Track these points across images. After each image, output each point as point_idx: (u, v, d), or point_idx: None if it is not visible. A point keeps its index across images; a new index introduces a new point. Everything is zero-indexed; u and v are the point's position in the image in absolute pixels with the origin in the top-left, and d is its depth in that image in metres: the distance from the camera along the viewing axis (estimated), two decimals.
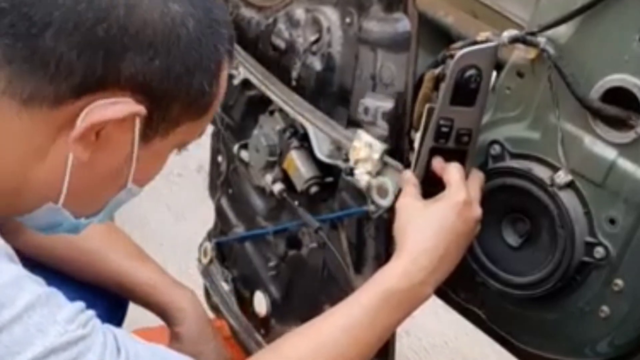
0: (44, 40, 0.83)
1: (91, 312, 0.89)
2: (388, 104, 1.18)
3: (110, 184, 0.94)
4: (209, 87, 0.91)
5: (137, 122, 0.88)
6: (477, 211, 1.11)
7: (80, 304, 0.89)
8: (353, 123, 1.24)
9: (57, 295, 0.88)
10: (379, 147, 1.18)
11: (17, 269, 0.86)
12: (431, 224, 1.09)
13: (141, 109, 0.87)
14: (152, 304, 1.35)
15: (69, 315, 0.86)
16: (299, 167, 1.31)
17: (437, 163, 1.13)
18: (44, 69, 0.84)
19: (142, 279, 1.33)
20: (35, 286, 0.86)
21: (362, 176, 1.19)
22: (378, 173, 1.18)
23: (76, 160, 0.88)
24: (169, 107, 0.90)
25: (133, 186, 0.96)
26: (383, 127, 1.19)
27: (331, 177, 1.30)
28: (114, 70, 0.85)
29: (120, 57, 0.85)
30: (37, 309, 0.84)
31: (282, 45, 1.32)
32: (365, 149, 1.19)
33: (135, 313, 1.54)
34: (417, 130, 1.14)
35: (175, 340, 1.35)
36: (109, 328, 0.91)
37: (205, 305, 1.67)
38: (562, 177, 1.08)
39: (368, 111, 1.20)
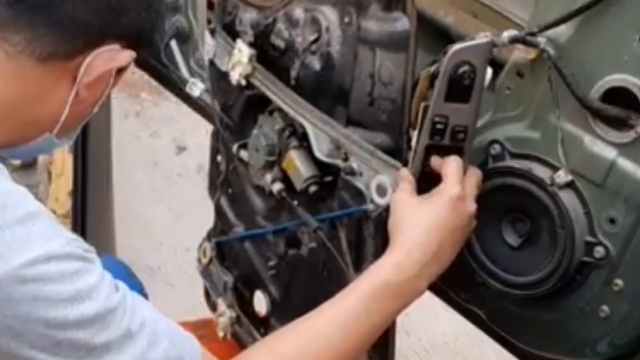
0: (64, 9, 0.99)
1: (94, 250, 0.96)
2: (253, 14, 1.35)
3: (87, 113, 1.10)
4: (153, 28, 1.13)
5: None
6: (471, 206, 1.11)
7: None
8: (353, 122, 1.24)
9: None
10: (248, 51, 1.32)
11: (21, 187, 0.95)
12: (425, 219, 1.09)
13: (133, 54, 1.06)
14: None
15: (73, 236, 0.94)
16: (298, 166, 1.31)
17: (435, 160, 1.13)
18: (63, 32, 1.00)
19: None
20: (38, 203, 0.94)
21: (234, 77, 1.34)
22: (248, 75, 1.33)
23: (75, 98, 1.04)
24: (137, 49, 1.08)
25: (96, 109, 1.12)
26: (250, 35, 1.36)
27: (330, 177, 1.30)
28: (117, 27, 1.03)
29: (122, 16, 1.03)
30: (41, 219, 0.92)
31: (281, 45, 1.32)
32: (237, 54, 1.34)
33: None
34: (414, 128, 1.14)
35: None
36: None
37: (205, 306, 1.67)
38: (562, 177, 1.08)
39: (242, 22, 1.37)
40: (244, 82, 1.35)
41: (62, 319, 0.91)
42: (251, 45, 1.34)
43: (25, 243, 0.89)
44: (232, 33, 1.40)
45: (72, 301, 0.91)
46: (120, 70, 1.09)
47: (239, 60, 1.34)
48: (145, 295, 1.37)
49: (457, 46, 1.07)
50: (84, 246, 0.95)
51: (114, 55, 1.04)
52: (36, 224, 0.91)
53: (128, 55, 1.06)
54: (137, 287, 1.39)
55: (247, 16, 1.37)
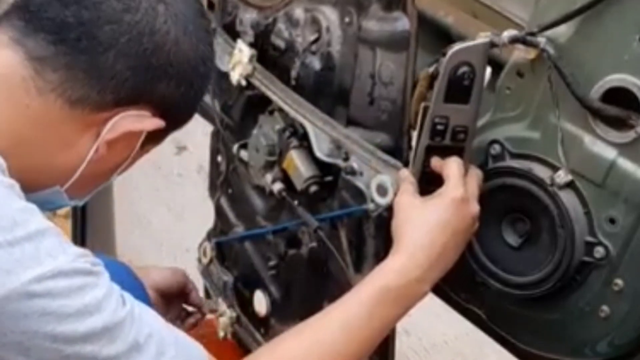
0: (106, 58, 0.98)
1: (100, 262, 0.96)
2: (254, 15, 1.36)
3: (105, 177, 1.08)
4: (195, 112, 1.10)
5: (145, 132, 1.04)
6: (474, 208, 1.11)
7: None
8: (353, 122, 1.24)
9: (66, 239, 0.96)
10: (248, 51, 1.33)
11: (30, 204, 0.94)
12: (428, 221, 1.09)
13: (162, 123, 1.04)
14: None
15: (79, 251, 0.94)
16: (299, 166, 1.31)
17: (436, 161, 1.13)
18: (98, 81, 0.98)
19: None
20: (47, 220, 0.94)
21: (235, 77, 1.35)
22: (248, 75, 1.33)
23: (95, 155, 1.02)
24: (171, 122, 1.06)
25: (114, 177, 1.11)
26: (250, 35, 1.36)
27: (331, 177, 1.30)
28: (151, 91, 1.02)
29: (160, 82, 1.02)
30: (48, 236, 0.92)
31: (281, 45, 1.32)
32: (238, 54, 1.34)
33: None
34: (414, 128, 1.14)
35: None
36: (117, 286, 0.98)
37: None
38: (562, 177, 1.08)
39: (242, 22, 1.37)
40: (244, 82, 1.35)
41: (71, 333, 0.91)
42: (251, 45, 1.34)
43: (33, 259, 0.90)
44: (232, 33, 1.40)
45: (80, 316, 0.91)
46: (148, 143, 1.06)
47: (239, 60, 1.34)
48: (146, 295, 1.37)
49: (456, 47, 1.07)
50: (92, 260, 0.95)
51: (142, 118, 1.02)
52: (44, 241, 0.91)
53: (155, 122, 1.03)
54: (139, 287, 1.39)
55: (247, 16, 1.37)
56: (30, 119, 0.98)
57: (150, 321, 0.98)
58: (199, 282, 1.68)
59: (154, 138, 1.06)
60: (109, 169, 1.07)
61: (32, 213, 0.94)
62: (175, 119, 1.07)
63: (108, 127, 1.00)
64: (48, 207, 1.05)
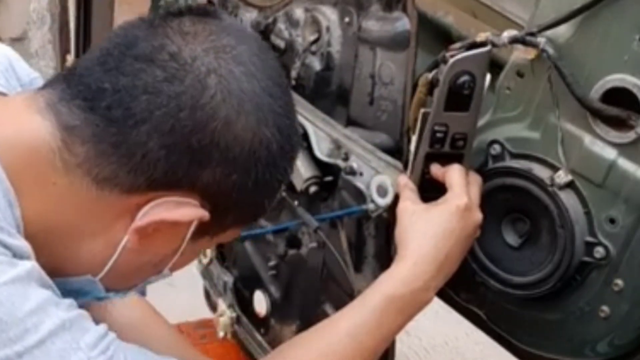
0: (137, 133, 0.85)
1: (113, 335, 0.89)
2: (254, 14, 1.33)
3: (149, 270, 0.96)
4: (269, 205, 0.95)
5: (194, 224, 0.90)
6: (478, 216, 1.11)
7: (102, 327, 0.88)
8: (353, 122, 1.24)
9: (83, 319, 0.87)
10: None
11: (46, 294, 0.86)
12: (433, 229, 1.09)
13: (205, 214, 0.89)
14: None
15: (92, 340, 0.86)
16: (299, 166, 1.31)
17: (437, 169, 1.13)
18: (128, 159, 0.86)
19: None
20: (61, 312, 0.85)
21: None
22: None
23: (127, 246, 0.90)
24: (228, 215, 0.92)
25: (167, 272, 0.98)
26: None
27: (331, 177, 1.30)
28: (193, 176, 0.87)
29: (203, 167, 0.87)
30: (60, 335, 0.84)
31: (281, 45, 1.32)
32: None
33: None
34: (413, 132, 1.14)
35: None
36: (130, 347, 0.90)
37: (205, 306, 1.67)
38: (562, 177, 1.08)
39: (242, 22, 1.34)
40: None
41: None
42: None
43: None
44: None
45: None
46: (203, 236, 0.93)
47: None
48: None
49: (456, 57, 1.07)
50: (105, 343, 0.87)
51: (180, 206, 0.88)
52: (57, 342, 0.83)
53: (196, 212, 0.89)
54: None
55: (248, 16, 1.37)
56: (56, 198, 0.87)
57: None
58: (199, 282, 1.68)
59: (212, 231, 0.93)
60: (153, 261, 0.95)
61: (47, 310, 0.84)
62: (230, 211, 0.92)
63: (141, 213, 0.88)
64: (83, 298, 0.96)
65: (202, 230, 0.91)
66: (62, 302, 0.87)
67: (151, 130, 0.85)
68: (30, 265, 0.85)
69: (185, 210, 0.88)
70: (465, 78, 1.07)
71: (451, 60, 1.07)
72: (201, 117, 0.85)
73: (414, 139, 1.13)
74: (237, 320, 1.56)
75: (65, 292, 0.93)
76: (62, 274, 0.93)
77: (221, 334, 1.56)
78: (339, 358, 1.05)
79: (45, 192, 0.87)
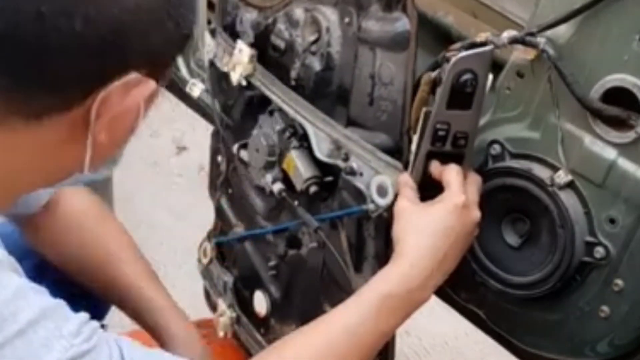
0: (46, 63, 0.83)
1: (95, 324, 0.89)
2: (254, 15, 1.34)
3: (125, 141, 0.97)
4: (192, 28, 0.93)
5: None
6: (476, 214, 1.11)
7: (84, 315, 0.89)
8: (353, 122, 1.24)
9: (62, 307, 0.88)
10: (248, 51, 1.32)
11: (21, 281, 0.86)
12: (429, 227, 1.09)
13: (151, 83, 0.89)
14: (146, 323, 1.34)
15: (74, 328, 0.86)
16: (299, 166, 1.31)
17: (435, 168, 1.13)
18: (50, 86, 0.85)
19: (143, 297, 1.34)
20: (39, 299, 0.86)
21: (235, 77, 1.34)
22: (249, 76, 1.33)
23: (96, 141, 0.91)
24: (165, 63, 0.93)
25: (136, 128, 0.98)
26: (250, 35, 1.36)
27: (331, 177, 1.30)
28: (120, 62, 0.87)
29: (124, 49, 0.86)
30: (41, 322, 0.84)
31: (281, 45, 1.32)
32: (238, 55, 1.33)
33: None
34: (414, 132, 1.14)
35: None
36: (115, 338, 0.91)
37: (205, 306, 1.67)
38: (562, 177, 1.08)
39: (242, 22, 1.36)
40: (244, 83, 1.34)
41: None
42: (252, 45, 1.34)
43: (28, 358, 0.83)
44: (233, 33, 1.40)
45: None
46: (154, 97, 0.94)
47: (240, 61, 1.33)
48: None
49: (459, 55, 1.07)
50: (88, 331, 0.87)
51: (129, 90, 0.88)
52: (38, 331, 0.84)
53: (145, 89, 0.89)
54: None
55: (248, 16, 1.37)
56: (4, 151, 0.88)
57: None
58: (199, 282, 1.68)
59: (159, 79, 0.93)
60: (123, 138, 0.96)
61: (24, 296, 0.84)
62: (166, 60, 0.93)
63: (93, 116, 0.87)
64: (80, 183, 1.02)
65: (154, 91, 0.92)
66: (39, 289, 0.87)
67: (58, 52, 0.83)
68: (0, 253, 0.86)
69: (134, 92, 0.88)
70: (467, 76, 1.07)
71: (454, 58, 1.07)
72: (93, 12, 0.83)
73: (415, 137, 1.13)
74: (237, 320, 1.56)
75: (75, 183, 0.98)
76: (51, 184, 0.97)
77: (221, 334, 1.56)
78: (335, 355, 1.05)
79: None
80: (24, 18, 0.82)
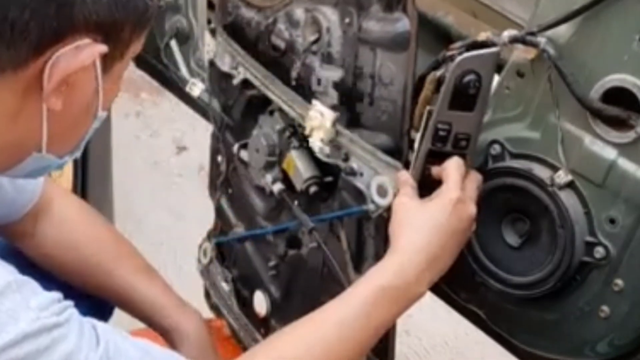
0: None
1: (68, 302, 0.89)
2: (337, 74, 1.23)
3: (84, 119, 0.96)
4: (150, 1, 0.93)
5: (98, 59, 0.90)
6: (471, 209, 1.11)
7: (56, 294, 0.88)
8: (353, 122, 1.24)
9: (30, 283, 0.87)
10: (331, 115, 1.22)
11: None
12: (425, 222, 1.09)
13: (102, 47, 0.89)
14: (155, 324, 1.34)
15: (43, 302, 0.86)
16: (299, 166, 1.31)
17: (435, 169, 1.13)
18: (1, 38, 0.84)
19: (148, 297, 1.33)
20: (5, 273, 0.85)
21: (315, 143, 1.24)
22: (331, 141, 1.23)
23: (50, 110, 0.90)
24: (122, 32, 0.91)
25: (102, 113, 0.98)
26: (333, 96, 1.24)
27: (331, 177, 1.30)
28: (68, 19, 0.85)
29: (70, 4, 0.85)
30: (8, 294, 0.84)
31: (281, 45, 1.31)
32: (319, 117, 1.23)
33: None
34: (417, 130, 1.14)
35: None
36: (89, 320, 0.91)
37: (205, 306, 1.67)
38: (562, 177, 1.08)
39: (320, 82, 1.25)
40: (327, 150, 1.24)
41: None
42: (334, 108, 1.24)
43: None
44: (233, 33, 1.40)
45: None
46: (112, 65, 0.92)
47: (321, 125, 1.23)
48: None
49: (463, 55, 1.07)
50: (59, 306, 0.87)
51: (79, 52, 0.87)
52: (4, 302, 0.83)
53: (95, 50, 0.88)
54: None
55: (248, 16, 1.36)
56: None
57: (128, 352, 0.92)
58: (199, 282, 1.68)
59: (118, 53, 0.92)
60: (83, 110, 0.94)
61: None
62: (123, 30, 0.91)
63: (45, 79, 0.87)
64: (46, 172, 0.99)
65: (109, 58, 0.91)
66: (7, 266, 0.87)
67: (3, 2, 0.83)
68: None
69: (83, 53, 0.87)
70: (471, 77, 1.07)
71: (458, 58, 1.07)
72: None
73: (417, 136, 1.13)
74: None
75: (27, 176, 0.96)
76: (7, 165, 0.94)
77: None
78: (326, 348, 1.05)
79: None
80: None
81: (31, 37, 0.85)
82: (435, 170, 1.13)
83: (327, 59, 1.25)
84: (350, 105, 1.24)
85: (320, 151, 1.24)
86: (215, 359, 1.37)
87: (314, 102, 1.25)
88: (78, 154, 1.02)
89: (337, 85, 1.24)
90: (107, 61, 0.91)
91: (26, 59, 0.86)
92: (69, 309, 0.88)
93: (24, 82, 0.87)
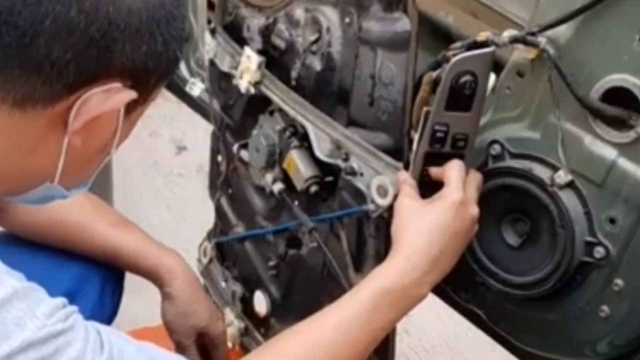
0: (37, 48, 0.84)
1: (73, 307, 0.89)
2: (261, 21, 1.33)
3: (98, 156, 0.98)
4: (180, 53, 0.96)
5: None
6: (473, 210, 1.11)
7: (61, 299, 0.89)
8: (353, 123, 1.24)
9: (36, 290, 0.88)
10: (256, 59, 1.31)
11: None
12: (427, 224, 1.09)
13: (132, 94, 0.91)
14: (141, 268, 1.41)
15: (48, 309, 0.86)
16: (299, 166, 1.31)
17: (435, 170, 1.13)
18: (38, 74, 0.86)
19: (128, 245, 1.40)
20: (13, 281, 0.86)
21: (244, 84, 1.33)
22: (257, 83, 1.32)
23: (70, 146, 0.91)
24: (149, 80, 0.93)
25: (114, 150, 0.99)
26: (259, 42, 1.34)
27: (331, 177, 1.30)
28: (106, 64, 0.87)
29: (111, 51, 0.87)
30: (14, 303, 0.84)
31: (282, 45, 1.32)
32: (246, 61, 1.32)
33: (134, 311, 1.54)
34: (415, 131, 1.14)
35: (167, 300, 1.41)
36: (93, 324, 0.91)
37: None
38: (562, 177, 1.08)
39: (249, 29, 1.35)
40: (252, 90, 1.34)
41: None
42: (259, 52, 1.33)
43: (0, 336, 0.83)
44: (233, 33, 1.40)
45: None
46: (134, 110, 0.95)
47: (248, 68, 1.33)
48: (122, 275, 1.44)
49: (459, 56, 1.07)
50: (65, 312, 0.88)
51: (110, 96, 0.89)
52: (11, 310, 0.84)
53: (125, 95, 0.90)
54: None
55: (255, 22, 1.36)
56: None
57: (132, 356, 0.93)
58: None
59: (141, 99, 0.94)
60: (99, 150, 0.96)
61: None
62: (151, 78, 0.93)
63: (72, 117, 0.88)
64: (51, 201, 1.01)
65: (133, 102, 0.92)
66: (12, 272, 0.87)
67: (49, 39, 0.84)
68: None
69: (114, 98, 0.89)
70: (467, 78, 1.07)
71: (453, 59, 1.07)
72: (89, 6, 0.85)
73: (415, 137, 1.13)
74: (245, 331, 1.56)
75: (30, 203, 0.98)
76: (19, 191, 0.96)
77: (229, 344, 1.55)
78: (327, 351, 1.05)
79: None
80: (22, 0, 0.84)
81: (68, 77, 0.86)
82: (435, 171, 1.13)
83: (327, 58, 1.25)
84: (351, 105, 1.24)
85: (247, 91, 1.33)
86: (204, 294, 1.45)
87: (245, 47, 1.33)
88: (85, 189, 1.04)
89: (261, 31, 1.33)
90: (131, 105, 0.93)
91: (58, 96, 0.87)
92: (74, 314, 0.89)
93: (50, 117, 0.89)
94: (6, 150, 0.90)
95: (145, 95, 0.94)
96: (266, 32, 1.34)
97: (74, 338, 0.87)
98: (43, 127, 0.89)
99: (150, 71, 0.92)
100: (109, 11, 0.86)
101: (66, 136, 0.90)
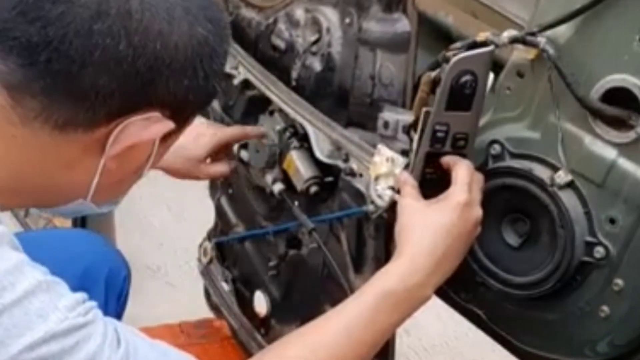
0: (84, 78, 0.87)
1: (93, 303, 0.91)
2: (408, 117, 1.17)
3: (131, 178, 1.00)
4: (219, 87, 0.98)
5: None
6: (477, 212, 1.11)
7: (81, 294, 0.91)
8: (353, 123, 1.24)
9: (59, 284, 0.90)
10: (401, 161, 1.16)
11: (20, 256, 0.88)
12: (431, 225, 1.09)
13: (171, 124, 0.93)
14: None
15: (70, 303, 0.88)
16: (299, 167, 1.31)
17: (446, 160, 1.13)
18: (83, 101, 0.88)
19: None
20: (36, 273, 0.88)
21: (384, 192, 1.17)
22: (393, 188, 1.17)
23: (105, 168, 0.94)
24: (187, 110, 0.96)
25: (146, 172, 1.01)
26: (404, 141, 1.18)
27: (331, 177, 1.30)
28: (149, 96, 0.91)
29: (155, 84, 0.90)
30: (37, 294, 0.87)
31: (282, 45, 1.32)
32: (386, 164, 1.17)
33: (135, 310, 1.54)
34: (415, 132, 1.14)
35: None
36: (112, 321, 0.93)
37: (205, 306, 1.68)
38: (562, 177, 1.09)
39: (388, 125, 1.19)
40: (397, 197, 1.15)
41: None
42: (403, 152, 1.18)
43: (24, 326, 0.85)
44: (235, 35, 1.40)
45: None
46: (168, 138, 0.96)
47: (391, 172, 1.17)
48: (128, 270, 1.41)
49: (458, 56, 1.07)
50: (85, 306, 0.90)
51: (149, 125, 0.91)
52: (34, 301, 0.86)
53: (163, 126, 0.92)
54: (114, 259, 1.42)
55: (248, 16, 1.36)
56: (21, 149, 0.90)
57: (147, 355, 0.94)
58: (199, 282, 1.68)
59: (177, 128, 0.96)
60: (132, 173, 0.98)
61: (22, 270, 0.87)
62: (189, 109, 0.96)
63: (110, 142, 0.91)
64: (81, 214, 1.02)
65: (169, 131, 0.95)
66: (37, 265, 0.90)
67: (97, 70, 0.87)
68: (1, 228, 0.88)
69: (153, 127, 0.92)
70: (467, 78, 1.07)
71: (453, 59, 1.07)
72: (138, 41, 0.87)
73: (415, 137, 1.13)
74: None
75: (62, 215, 0.99)
76: (51, 205, 0.99)
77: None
78: (330, 352, 1.05)
79: (8, 145, 0.90)
80: (74, 30, 0.86)
81: (111, 106, 0.89)
82: (444, 160, 1.13)
83: (327, 59, 1.25)
84: (350, 106, 1.24)
85: (381, 199, 1.17)
86: None
87: (380, 146, 1.18)
88: (115, 207, 1.07)
89: (408, 130, 1.17)
90: (167, 133, 0.95)
91: (99, 123, 0.90)
92: (94, 309, 0.91)
93: (89, 141, 0.91)
94: (43, 167, 0.92)
95: (181, 124, 0.96)
96: (259, 26, 1.31)
97: (94, 332, 0.89)
98: (81, 149, 0.91)
99: (190, 103, 0.94)
100: (157, 47, 0.88)
101: (102, 159, 0.92)
